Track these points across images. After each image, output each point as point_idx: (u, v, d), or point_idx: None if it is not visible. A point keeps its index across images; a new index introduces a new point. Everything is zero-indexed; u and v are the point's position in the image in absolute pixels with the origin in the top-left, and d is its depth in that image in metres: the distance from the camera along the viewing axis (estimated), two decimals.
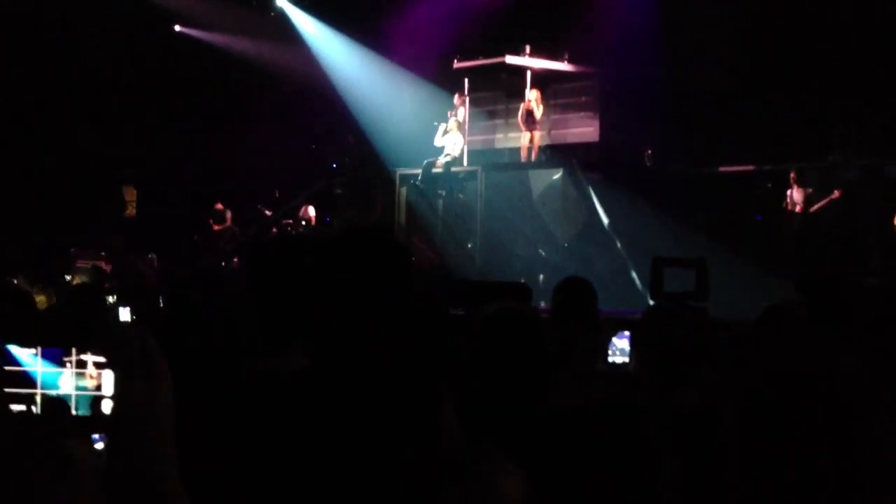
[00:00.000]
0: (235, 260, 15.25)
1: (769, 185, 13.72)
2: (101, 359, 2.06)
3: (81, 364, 2.16)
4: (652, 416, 1.97)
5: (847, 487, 1.35)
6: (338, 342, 1.52)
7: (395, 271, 1.53)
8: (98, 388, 2.13)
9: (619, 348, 3.10)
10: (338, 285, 1.50)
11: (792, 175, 13.17)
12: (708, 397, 2.09)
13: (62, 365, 2.18)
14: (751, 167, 14.08)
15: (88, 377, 2.15)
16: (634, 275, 12.81)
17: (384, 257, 1.54)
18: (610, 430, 1.75)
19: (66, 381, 2.17)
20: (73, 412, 2.16)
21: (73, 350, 2.17)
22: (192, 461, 2.01)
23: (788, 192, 13.22)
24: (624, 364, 2.98)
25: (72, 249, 13.61)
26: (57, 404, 2.14)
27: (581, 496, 1.88)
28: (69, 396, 2.17)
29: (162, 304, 5.30)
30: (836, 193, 12.90)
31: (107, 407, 1.91)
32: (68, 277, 7.69)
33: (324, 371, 1.51)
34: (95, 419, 2.05)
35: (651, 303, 7.62)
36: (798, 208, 13.16)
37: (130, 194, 17.72)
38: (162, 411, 1.29)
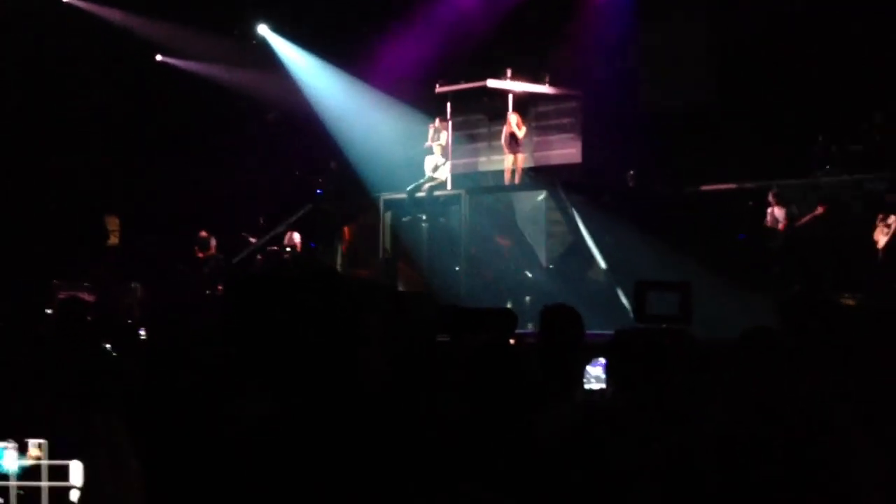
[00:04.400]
0: (220, 287, 15.17)
1: (751, 203, 13.79)
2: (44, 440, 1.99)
3: (23, 447, 2.08)
4: (628, 451, 1.96)
5: None
6: (297, 388, 1.51)
7: (336, 315, 1.53)
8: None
9: (594, 376, 3.08)
10: (286, 331, 1.50)
11: (771, 194, 13.24)
12: (688, 434, 2.08)
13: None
14: (732, 185, 14.16)
15: (30, 458, 2.08)
16: (621, 295, 12.82)
17: (324, 302, 1.53)
18: (585, 463, 1.75)
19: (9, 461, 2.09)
20: None
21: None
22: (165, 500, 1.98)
23: (769, 210, 13.28)
24: (601, 391, 2.96)
25: (54, 280, 13.48)
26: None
27: None
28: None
29: (144, 337, 5.28)
30: (820, 209, 12.96)
31: (74, 497, 1.87)
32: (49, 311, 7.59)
33: (286, 416, 1.51)
34: None
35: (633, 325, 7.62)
36: (781, 226, 13.22)
37: (113, 223, 17.62)
38: (130, 501, 1.27)
